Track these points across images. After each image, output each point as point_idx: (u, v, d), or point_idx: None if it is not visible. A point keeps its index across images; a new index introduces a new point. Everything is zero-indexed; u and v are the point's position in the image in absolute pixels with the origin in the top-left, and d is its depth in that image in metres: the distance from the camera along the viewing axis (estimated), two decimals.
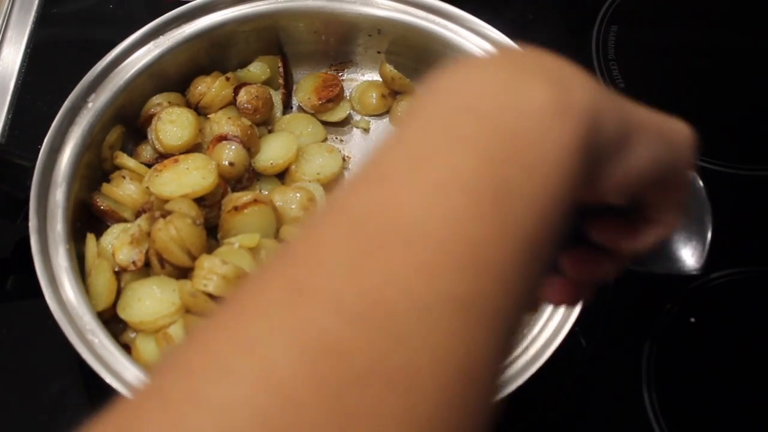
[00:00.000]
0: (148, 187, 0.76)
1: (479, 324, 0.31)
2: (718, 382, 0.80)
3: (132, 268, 0.74)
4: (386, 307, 0.30)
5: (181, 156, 0.79)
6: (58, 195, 0.74)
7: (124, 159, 0.81)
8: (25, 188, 0.74)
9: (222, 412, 0.27)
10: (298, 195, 0.79)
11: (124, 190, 0.79)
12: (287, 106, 0.90)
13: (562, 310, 0.70)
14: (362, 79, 0.93)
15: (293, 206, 0.78)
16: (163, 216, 0.72)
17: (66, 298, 0.70)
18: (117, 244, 0.75)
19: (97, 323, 0.69)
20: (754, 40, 1.02)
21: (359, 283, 0.30)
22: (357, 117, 0.91)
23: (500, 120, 0.35)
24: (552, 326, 0.71)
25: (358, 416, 0.28)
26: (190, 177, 0.76)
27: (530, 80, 0.37)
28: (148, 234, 0.73)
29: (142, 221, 0.75)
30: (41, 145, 0.76)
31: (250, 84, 0.85)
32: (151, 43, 0.83)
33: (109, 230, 0.78)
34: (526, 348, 0.70)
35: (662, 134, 0.43)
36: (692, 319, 0.82)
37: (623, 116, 0.40)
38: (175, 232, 0.71)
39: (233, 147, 0.79)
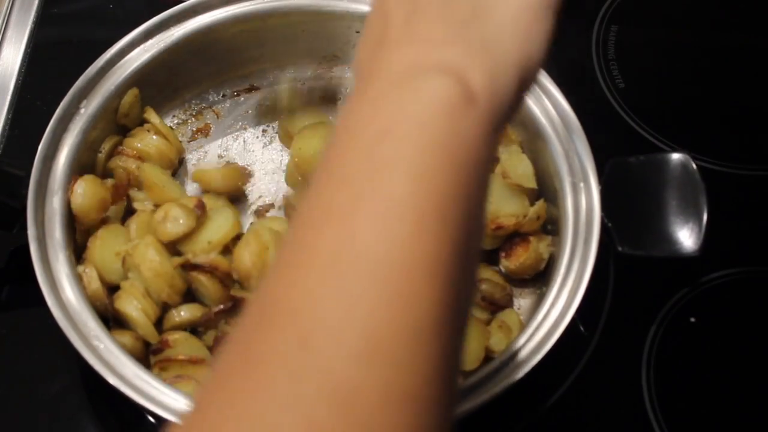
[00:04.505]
0: None
1: (457, 336, 0.37)
2: (718, 382, 0.80)
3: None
4: (382, 343, 0.34)
5: None
6: (55, 203, 0.74)
7: (151, 116, 0.84)
8: (20, 197, 0.74)
9: None
10: None
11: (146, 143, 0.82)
12: None
13: (561, 323, 0.70)
14: (350, 75, 0.91)
15: None
16: None
17: (69, 305, 0.70)
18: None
19: (101, 329, 0.69)
20: (754, 40, 1.02)
21: (355, 325, 0.34)
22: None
23: (415, 134, 0.38)
24: (549, 323, 0.71)
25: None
26: None
27: (429, 77, 0.39)
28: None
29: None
30: (38, 149, 0.76)
31: None
32: (141, 46, 0.83)
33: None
34: (520, 352, 0.70)
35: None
36: (692, 319, 0.82)
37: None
38: None
39: None
